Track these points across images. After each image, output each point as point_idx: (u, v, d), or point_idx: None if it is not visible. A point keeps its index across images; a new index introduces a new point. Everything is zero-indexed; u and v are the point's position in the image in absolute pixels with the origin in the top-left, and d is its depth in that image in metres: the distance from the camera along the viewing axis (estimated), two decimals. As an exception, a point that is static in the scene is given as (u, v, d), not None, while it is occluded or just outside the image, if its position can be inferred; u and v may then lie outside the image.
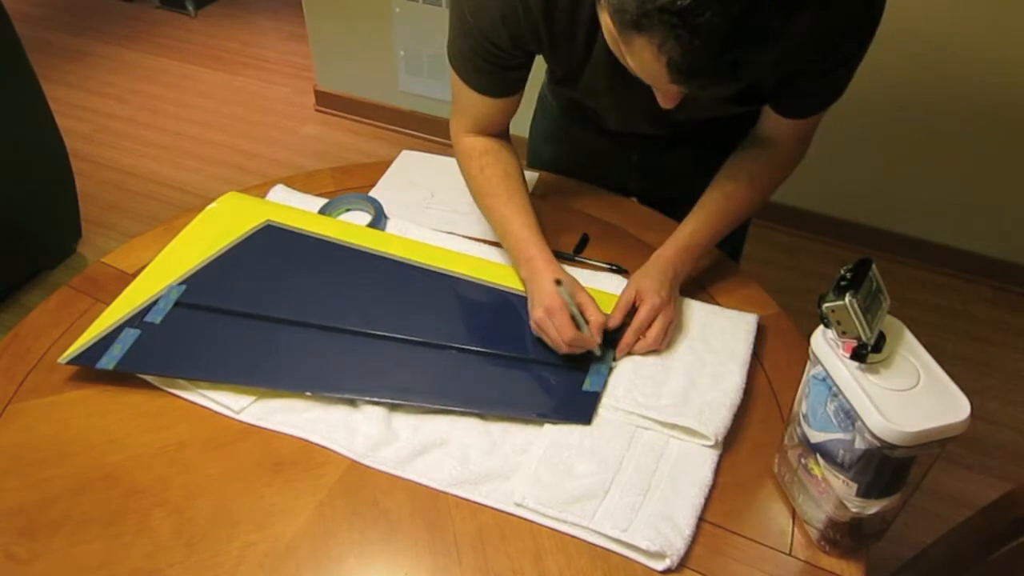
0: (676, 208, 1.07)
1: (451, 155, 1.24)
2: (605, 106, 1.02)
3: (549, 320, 0.88)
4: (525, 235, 0.96)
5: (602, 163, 1.20)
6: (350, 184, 1.20)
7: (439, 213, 1.13)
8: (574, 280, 0.93)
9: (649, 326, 0.90)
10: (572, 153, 1.23)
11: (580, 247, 1.08)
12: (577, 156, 1.22)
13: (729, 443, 0.83)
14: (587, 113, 1.10)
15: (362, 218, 1.12)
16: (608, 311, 0.94)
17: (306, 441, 0.83)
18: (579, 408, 0.85)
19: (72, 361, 0.88)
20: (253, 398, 0.86)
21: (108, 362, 0.87)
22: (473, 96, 0.98)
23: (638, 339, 0.90)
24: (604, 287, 0.99)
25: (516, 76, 0.96)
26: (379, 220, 1.10)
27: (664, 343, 0.91)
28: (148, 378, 0.88)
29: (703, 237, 0.97)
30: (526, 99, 1.04)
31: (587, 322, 0.88)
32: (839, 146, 2.18)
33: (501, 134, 1.05)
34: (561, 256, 1.06)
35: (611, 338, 0.91)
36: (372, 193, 1.17)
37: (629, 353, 0.91)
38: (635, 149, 1.17)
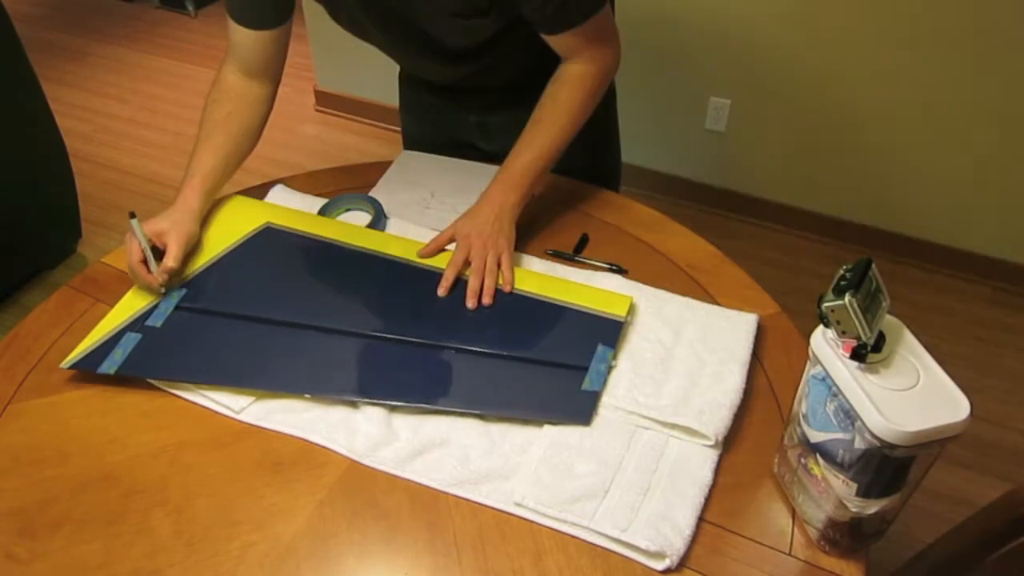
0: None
1: (451, 156, 1.24)
2: (376, 41, 1.08)
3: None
4: (192, 167, 1.03)
5: (449, 124, 1.27)
6: (350, 184, 1.20)
7: (439, 213, 1.13)
8: (180, 220, 0.98)
9: (485, 265, 0.97)
10: (423, 123, 1.31)
11: (580, 247, 1.08)
12: (425, 125, 1.31)
13: (729, 443, 0.83)
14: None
15: (362, 218, 1.12)
16: (609, 310, 0.94)
17: (306, 441, 0.83)
18: (578, 408, 0.85)
19: (73, 366, 0.88)
20: (253, 398, 0.86)
21: (109, 367, 0.87)
22: (234, 27, 1.03)
23: (481, 281, 0.97)
24: (604, 287, 0.99)
25: (266, 5, 1.02)
26: (379, 220, 1.10)
27: (508, 277, 0.98)
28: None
29: (525, 161, 1.02)
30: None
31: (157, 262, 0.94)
32: (839, 146, 2.18)
33: (265, 77, 1.08)
34: (561, 256, 1.06)
35: (611, 338, 0.91)
36: (372, 193, 1.17)
37: (481, 303, 0.96)
38: (468, 108, 1.24)
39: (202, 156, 1.04)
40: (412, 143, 1.33)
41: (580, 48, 1.01)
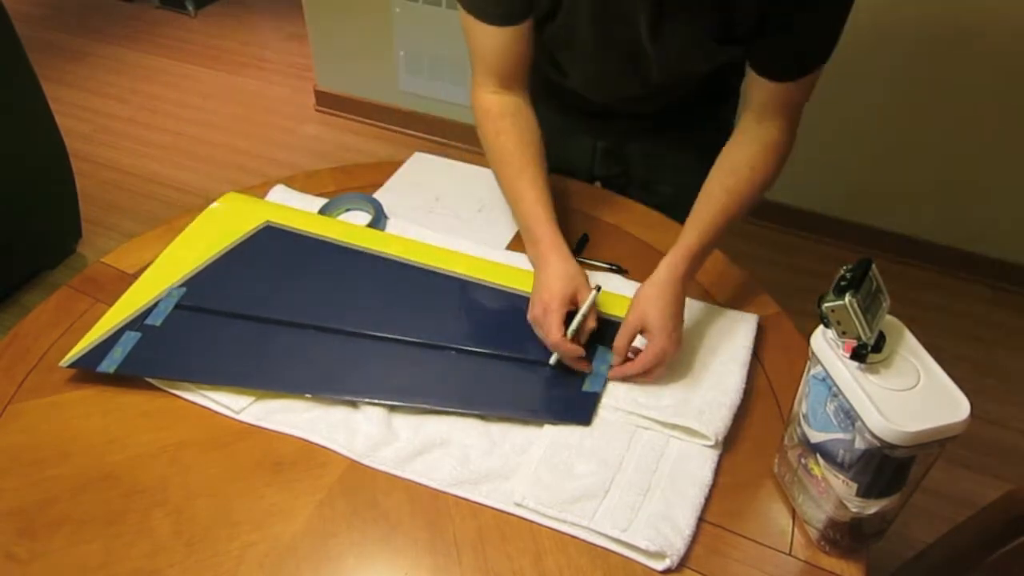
0: (631, 191, 1.13)
1: (461, 159, 1.24)
2: (579, 55, 0.99)
3: (543, 319, 0.87)
4: (535, 212, 0.95)
5: (568, 147, 1.20)
6: (350, 184, 1.20)
7: (442, 218, 1.13)
8: (578, 277, 0.91)
9: (655, 365, 0.86)
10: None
11: (580, 247, 1.08)
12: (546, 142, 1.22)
13: (729, 443, 0.83)
14: (554, 84, 1.10)
15: (362, 218, 1.12)
16: (611, 310, 0.94)
17: (306, 441, 0.83)
18: (579, 409, 0.85)
19: (73, 364, 0.88)
20: (253, 398, 0.86)
21: (109, 365, 0.87)
22: (482, 30, 0.94)
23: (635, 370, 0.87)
24: (604, 286, 0.99)
25: None
26: (379, 220, 1.10)
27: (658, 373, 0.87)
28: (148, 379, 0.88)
29: (709, 240, 0.92)
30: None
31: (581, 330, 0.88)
32: (839, 146, 2.18)
33: (518, 82, 1.00)
34: None
35: (609, 336, 0.91)
36: (378, 193, 1.17)
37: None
38: (600, 132, 1.17)
39: (528, 197, 0.96)
40: None
41: (784, 108, 0.92)
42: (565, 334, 0.86)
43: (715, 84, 1.08)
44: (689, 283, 0.91)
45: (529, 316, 0.90)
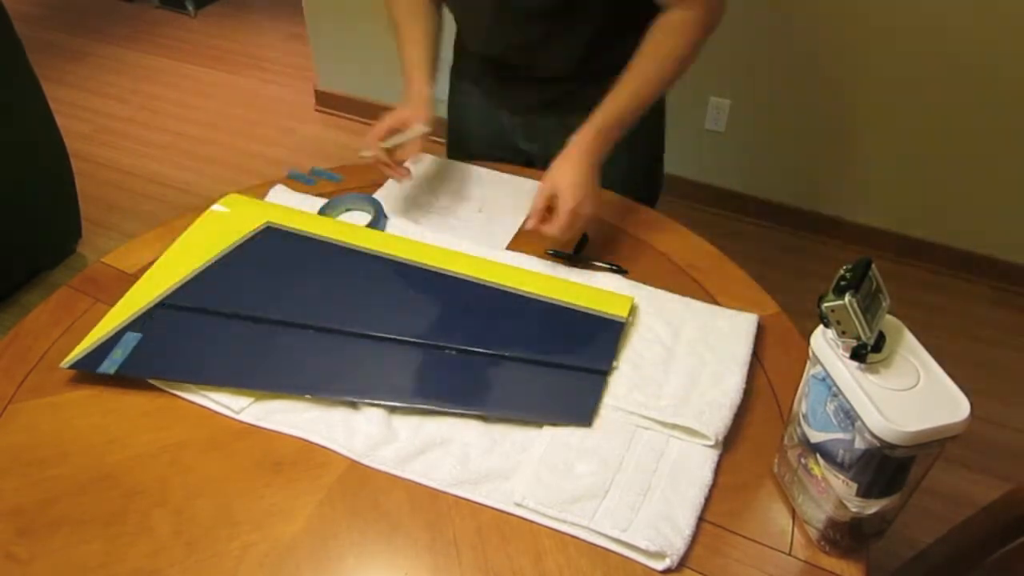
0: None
1: (490, 153, 1.25)
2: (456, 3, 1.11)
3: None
4: (410, 57, 1.12)
5: (491, 127, 1.28)
6: (350, 184, 1.20)
7: (442, 218, 1.13)
8: (420, 104, 1.08)
9: (565, 227, 0.97)
10: (467, 121, 1.32)
11: (580, 247, 1.08)
12: (471, 124, 1.31)
13: (729, 443, 0.83)
14: (472, 60, 1.22)
15: (362, 218, 1.12)
16: (610, 310, 0.94)
17: (306, 441, 0.83)
18: (579, 409, 0.85)
19: (73, 366, 0.88)
20: (253, 398, 0.86)
21: (109, 366, 0.88)
22: None
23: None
24: (604, 286, 1.00)
25: None
26: (379, 220, 1.10)
27: (578, 232, 1.01)
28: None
29: (617, 116, 1.00)
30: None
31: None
32: (839, 146, 2.18)
33: None
34: (561, 255, 1.06)
35: (611, 352, 0.91)
36: (378, 193, 1.17)
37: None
38: (512, 107, 1.24)
39: (410, 49, 1.12)
40: (455, 140, 1.35)
41: None
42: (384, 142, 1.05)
43: (608, 62, 1.06)
44: (601, 155, 1.01)
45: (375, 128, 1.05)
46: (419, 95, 1.09)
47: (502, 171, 1.22)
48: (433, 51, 1.14)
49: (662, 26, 1.01)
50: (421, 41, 1.13)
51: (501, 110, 1.25)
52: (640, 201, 1.17)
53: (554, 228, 0.97)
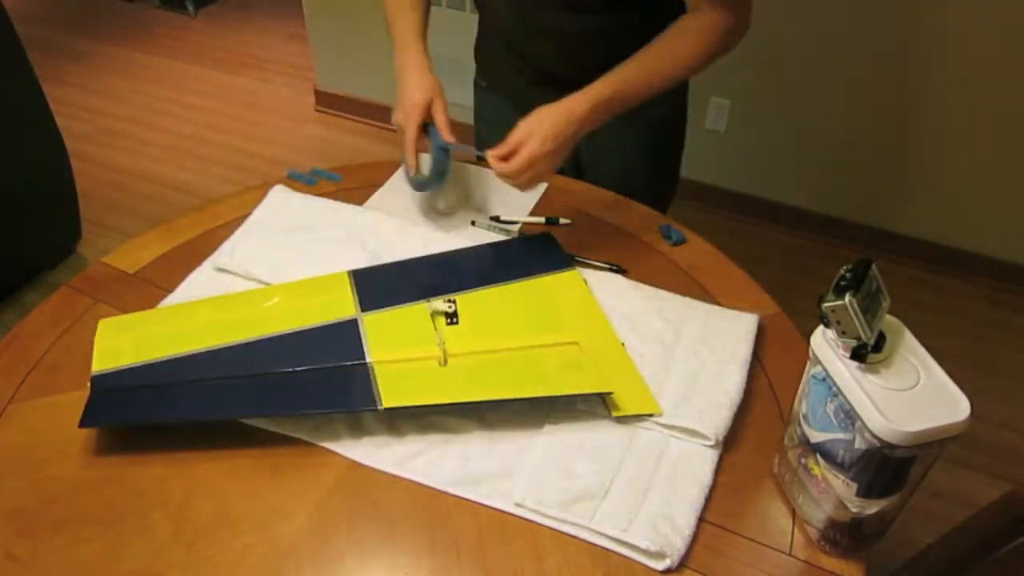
0: (586, 176, 1.20)
1: (460, 160, 1.24)
2: None
3: (405, 125, 1.02)
4: (406, 28, 1.09)
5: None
6: (350, 184, 1.20)
7: (441, 218, 1.13)
8: (432, 88, 1.04)
9: (519, 168, 0.95)
10: (494, 131, 1.21)
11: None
12: (499, 133, 1.21)
13: (729, 443, 0.83)
14: (493, 51, 1.21)
15: (425, 163, 1.07)
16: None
17: (306, 441, 0.83)
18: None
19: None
20: (253, 398, 0.86)
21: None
22: None
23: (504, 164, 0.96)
24: (605, 286, 1.00)
25: None
26: (441, 163, 1.05)
27: (526, 185, 0.98)
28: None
29: (618, 90, 0.98)
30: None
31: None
32: (839, 145, 2.18)
33: None
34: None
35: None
36: (377, 193, 1.17)
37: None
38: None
39: (402, 22, 1.11)
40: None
41: None
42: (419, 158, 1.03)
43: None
44: (585, 126, 0.97)
45: (393, 120, 1.03)
46: (422, 83, 1.05)
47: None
48: (425, 21, 1.14)
49: (685, 26, 0.99)
50: (419, 15, 1.12)
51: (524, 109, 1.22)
52: (658, 200, 1.16)
53: (504, 166, 0.96)
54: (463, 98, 1.40)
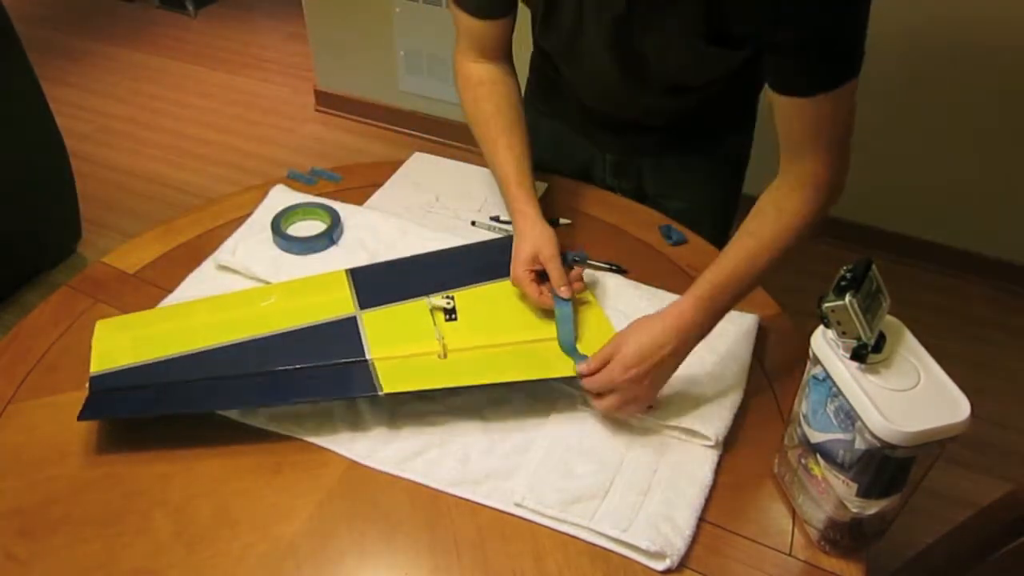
0: (647, 204, 1.17)
1: (461, 159, 1.24)
2: (574, 55, 1.00)
3: (521, 284, 0.94)
4: (512, 177, 0.99)
5: (576, 158, 1.22)
6: (350, 184, 1.20)
7: (442, 218, 1.13)
8: (541, 239, 0.93)
9: (596, 388, 0.82)
10: (555, 156, 1.21)
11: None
12: (559, 159, 1.22)
13: (729, 443, 0.83)
14: (561, 95, 1.13)
15: (316, 228, 1.07)
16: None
17: (306, 441, 0.83)
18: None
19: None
20: (253, 398, 0.86)
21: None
22: (465, 18, 1.00)
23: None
24: (605, 286, 0.99)
25: None
26: (335, 229, 1.06)
27: (610, 414, 0.83)
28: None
29: (724, 287, 0.83)
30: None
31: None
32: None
33: (500, 58, 1.05)
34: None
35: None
36: (378, 193, 1.17)
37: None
38: (607, 147, 1.18)
39: (505, 162, 1.00)
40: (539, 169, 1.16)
41: (812, 132, 0.80)
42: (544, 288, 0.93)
43: (723, 107, 1.07)
44: (696, 333, 0.82)
45: (511, 276, 0.95)
46: (529, 234, 0.94)
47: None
48: (526, 154, 1.02)
49: (790, 181, 0.86)
50: (519, 153, 1.01)
51: (593, 148, 1.19)
52: (722, 235, 1.08)
53: (587, 383, 0.82)
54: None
